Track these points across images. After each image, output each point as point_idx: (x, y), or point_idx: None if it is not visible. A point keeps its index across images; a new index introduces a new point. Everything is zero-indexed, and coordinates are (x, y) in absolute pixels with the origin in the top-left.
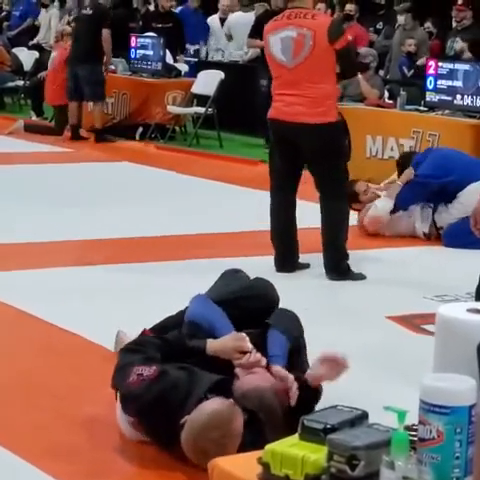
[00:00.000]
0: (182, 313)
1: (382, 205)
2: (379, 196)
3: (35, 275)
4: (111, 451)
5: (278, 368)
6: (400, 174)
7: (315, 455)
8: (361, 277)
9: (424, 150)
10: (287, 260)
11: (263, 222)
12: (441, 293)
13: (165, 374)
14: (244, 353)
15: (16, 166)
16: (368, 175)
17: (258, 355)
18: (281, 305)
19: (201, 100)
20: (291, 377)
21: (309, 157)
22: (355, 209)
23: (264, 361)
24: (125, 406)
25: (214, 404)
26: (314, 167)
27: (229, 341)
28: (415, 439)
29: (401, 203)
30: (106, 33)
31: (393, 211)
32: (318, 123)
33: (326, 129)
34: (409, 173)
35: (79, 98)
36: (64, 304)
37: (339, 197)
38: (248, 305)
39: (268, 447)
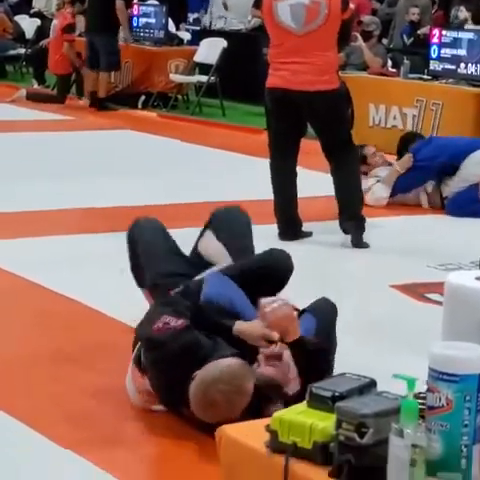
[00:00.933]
0: (196, 286)
1: (379, 193)
2: (388, 162)
3: (36, 243)
4: (119, 419)
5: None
6: (399, 155)
7: (323, 423)
8: (366, 245)
9: (427, 138)
10: (290, 228)
11: (266, 190)
12: (444, 262)
13: (191, 330)
14: (270, 342)
15: (18, 134)
16: (371, 144)
17: (282, 348)
18: None
19: (203, 68)
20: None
21: (316, 125)
22: (362, 171)
23: (287, 354)
24: (146, 353)
25: (229, 360)
26: (323, 134)
27: (258, 327)
28: (423, 407)
29: (401, 189)
30: (120, 4)
31: (392, 195)
32: (323, 90)
33: (331, 96)
34: (408, 160)
35: (97, 67)
36: (65, 271)
37: (350, 160)
38: (263, 278)
39: (276, 414)
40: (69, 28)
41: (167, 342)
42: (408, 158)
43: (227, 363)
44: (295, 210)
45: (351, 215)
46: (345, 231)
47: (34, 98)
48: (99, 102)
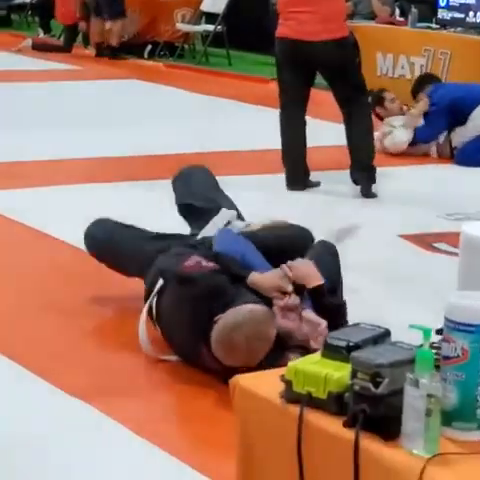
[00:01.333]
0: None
1: (400, 136)
2: (403, 113)
3: (45, 193)
4: (132, 368)
5: (310, 316)
6: (414, 96)
7: (338, 373)
8: (374, 195)
9: (442, 83)
10: (298, 178)
11: (274, 140)
12: (453, 211)
13: (220, 274)
14: (283, 293)
15: (24, 84)
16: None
17: (297, 300)
18: (292, 222)
19: (210, 18)
20: (323, 324)
21: (327, 74)
22: (377, 114)
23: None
24: (174, 289)
25: (253, 306)
26: (334, 83)
27: (271, 278)
28: (437, 357)
29: (422, 138)
30: None
31: (412, 143)
32: (332, 39)
33: (340, 44)
34: (424, 104)
35: (101, 15)
36: (73, 221)
37: (363, 111)
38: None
39: (291, 364)
40: None
41: (199, 279)
42: (424, 102)
43: (250, 308)
44: (303, 160)
45: (363, 165)
46: (355, 182)
47: (40, 48)
48: (112, 51)
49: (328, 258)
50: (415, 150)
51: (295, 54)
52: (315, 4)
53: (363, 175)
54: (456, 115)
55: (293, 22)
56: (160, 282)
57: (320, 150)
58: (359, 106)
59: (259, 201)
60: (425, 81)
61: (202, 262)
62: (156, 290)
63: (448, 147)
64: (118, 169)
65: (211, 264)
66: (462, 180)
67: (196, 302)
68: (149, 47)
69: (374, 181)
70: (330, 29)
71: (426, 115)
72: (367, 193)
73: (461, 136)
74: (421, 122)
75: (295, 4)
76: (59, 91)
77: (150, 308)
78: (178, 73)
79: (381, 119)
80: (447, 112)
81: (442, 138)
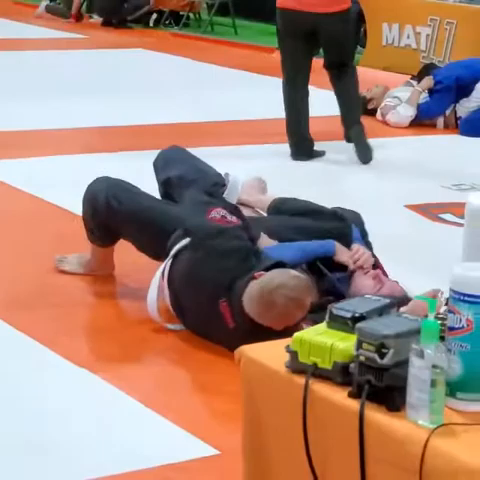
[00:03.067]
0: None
1: (404, 111)
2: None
3: (48, 162)
4: (137, 337)
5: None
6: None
7: (343, 343)
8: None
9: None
10: (303, 148)
11: (279, 109)
12: (458, 182)
13: (245, 230)
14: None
15: (29, 52)
16: (384, 63)
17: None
18: (297, 192)
19: None
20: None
21: (325, 44)
22: (370, 109)
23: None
24: (212, 240)
25: (298, 274)
26: (329, 50)
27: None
28: (443, 328)
29: (427, 115)
30: None
31: (416, 119)
32: (334, 11)
33: (343, 16)
34: (429, 80)
35: None
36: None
37: (352, 73)
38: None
39: (296, 335)
40: None
41: (226, 231)
42: (429, 79)
43: (295, 274)
44: (307, 129)
45: (355, 119)
46: (348, 139)
47: (52, 11)
48: (120, 19)
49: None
50: (421, 120)
51: (297, 25)
52: None
53: (357, 131)
54: (461, 90)
55: None
56: (183, 241)
57: (325, 119)
58: (347, 70)
59: (264, 171)
60: (430, 68)
61: (227, 216)
62: (175, 250)
63: (453, 118)
64: (122, 138)
65: (235, 218)
66: (467, 151)
67: (222, 255)
68: (154, 16)
69: (365, 137)
70: (333, 1)
71: (431, 93)
72: (365, 157)
73: (466, 107)
74: (424, 97)
75: None
76: (64, 60)
77: (162, 274)
78: (184, 42)
79: (374, 113)
80: (452, 89)
81: (448, 111)
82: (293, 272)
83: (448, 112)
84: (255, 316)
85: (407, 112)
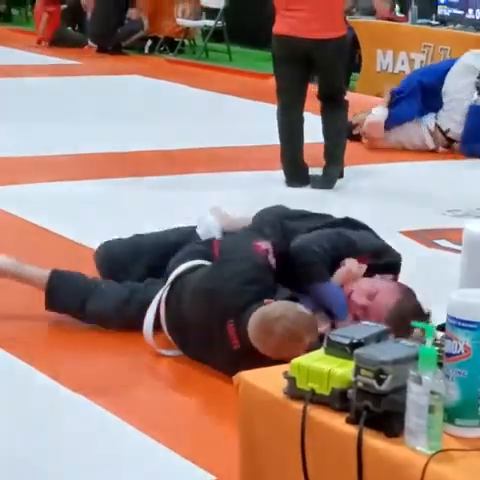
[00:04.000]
0: None
1: (379, 112)
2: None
3: (46, 188)
4: (132, 364)
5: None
6: None
7: (341, 369)
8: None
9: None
10: (297, 174)
11: (274, 136)
12: (453, 208)
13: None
14: None
15: (24, 79)
16: (378, 89)
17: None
18: None
19: (211, 13)
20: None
21: (321, 70)
22: (355, 136)
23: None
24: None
25: (305, 309)
26: (323, 79)
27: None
28: (440, 354)
29: (397, 119)
30: None
31: (388, 127)
32: (330, 38)
33: (339, 43)
34: (388, 97)
35: None
36: (74, 215)
37: (343, 106)
38: None
39: (294, 361)
40: None
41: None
42: (387, 96)
43: (301, 310)
44: (301, 156)
45: (336, 159)
46: (324, 174)
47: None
48: (115, 45)
49: None
50: (413, 143)
51: (292, 51)
52: (313, 2)
53: (334, 170)
54: (426, 93)
55: (291, 20)
56: (183, 266)
57: (319, 145)
58: (338, 105)
59: (258, 197)
60: None
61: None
62: (176, 275)
63: (439, 132)
64: (113, 164)
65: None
66: (461, 176)
67: (250, 282)
68: (149, 42)
69: (341, 175)
70: (329, 28)
71: (395, 104)
72: (329, 183)
73: (448, 117)
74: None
75: (293, 2)
76: (58, 86)
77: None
78: (179, 68)
79: (359, 138)
80: (416, 92)
81: (432, 125)
82: (300, 307)
83: (432, 127)
84: (253, 340)
85: (380, 111)
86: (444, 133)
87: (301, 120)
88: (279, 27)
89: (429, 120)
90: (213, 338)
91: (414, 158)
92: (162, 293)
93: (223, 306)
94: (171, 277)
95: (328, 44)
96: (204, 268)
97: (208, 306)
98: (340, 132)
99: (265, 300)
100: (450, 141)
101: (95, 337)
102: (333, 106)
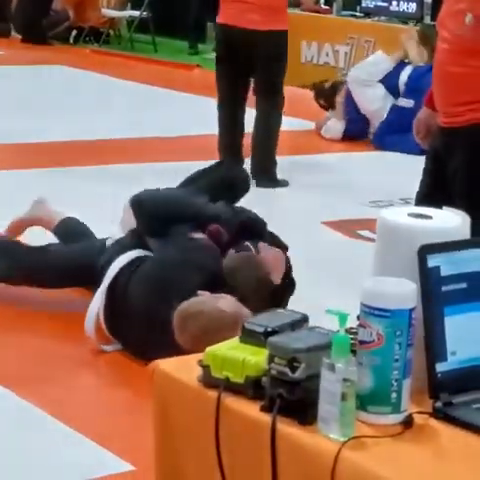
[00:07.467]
0: None
1: (334, 125)
2: None
3: None
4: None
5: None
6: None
7: (256, 357)
8: (285, 184)
9: None
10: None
11: (201, 126)
12: (375, 199)
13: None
14: None
15: None
16: (302, 81)
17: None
18: None
19: (136, 3)
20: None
21: (259, 63)
22: (320, 104)
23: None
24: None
25: (227, 308)
26: (260, 73)
27: None
28: (354, 342)
29: (351, 135)
30: None
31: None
32: (272, 30)
33: (279, 36)
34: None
35: None
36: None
37: (277, 102)
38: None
39: (208, 350)
40: None
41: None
42: (339, 106)
43: (222, 309)
44: (240, 149)
45: (261, 173)
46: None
47: None
48: (40, 36)
49: None
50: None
51: (232, 42)
52: None
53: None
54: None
55: (234, 10)
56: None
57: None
58: (273, 104)
59: None
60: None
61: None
62: (119, 268)
63: None
64: (38, 155)
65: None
66: (384, 167)
67: (198, 269)
68: (74, 32)
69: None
70: (273, 20)
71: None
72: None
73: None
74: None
75: None
76: None
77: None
78: (104, 59)
79: (326, 109)
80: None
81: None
82: (222, 304)
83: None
84: (176, 334)
85: (337, 126)
86: None
87: (242, 113)
88: (221, 16)
89: None
90: (154, 325)
91: (335, 149)
92: (103, 288)
93: (172, 291)
94: (111, 272)
95: (268, 36)
96: (149, 259)
97: (158, 290)
98: (272, 132)
99: (199, 291)
100: None
101: (22, 323)
102: (268, 102)
